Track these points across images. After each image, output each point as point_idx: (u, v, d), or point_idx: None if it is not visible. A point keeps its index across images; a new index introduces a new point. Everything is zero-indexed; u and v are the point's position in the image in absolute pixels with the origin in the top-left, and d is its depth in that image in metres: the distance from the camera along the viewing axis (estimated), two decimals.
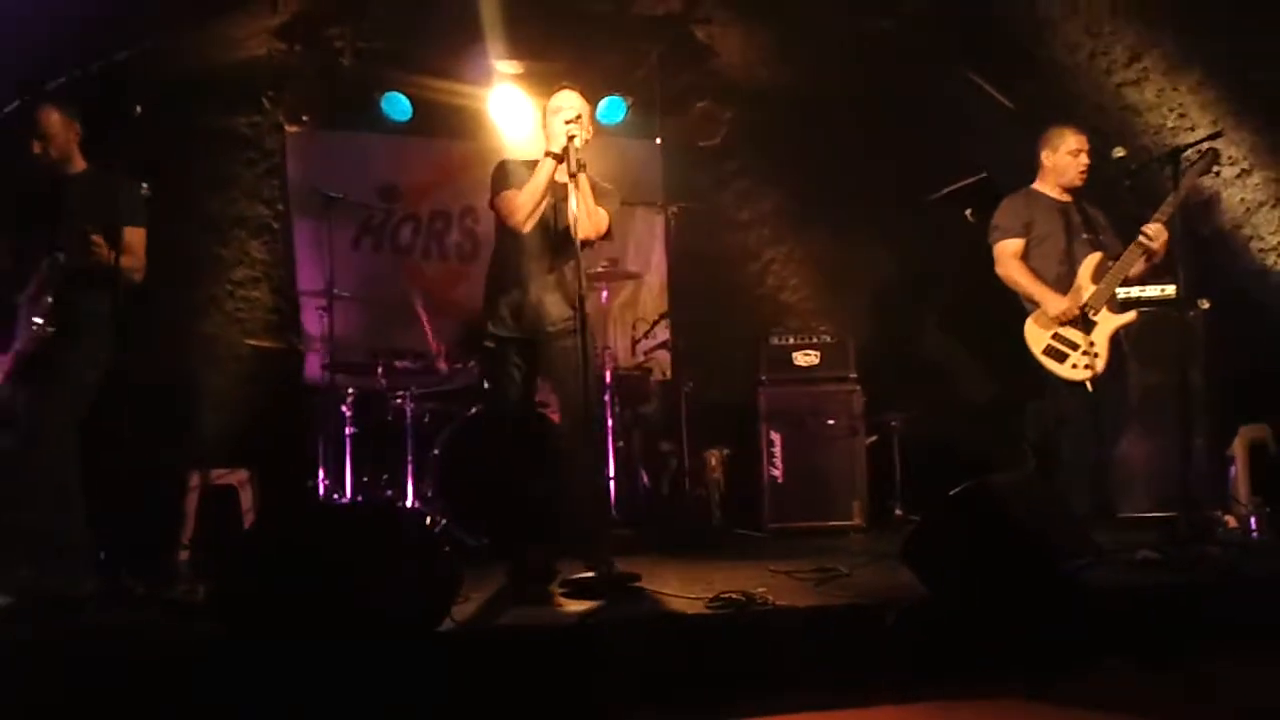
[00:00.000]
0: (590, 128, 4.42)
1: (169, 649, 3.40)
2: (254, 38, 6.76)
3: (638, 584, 4.11)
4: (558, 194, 4.34)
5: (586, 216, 4.25)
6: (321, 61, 6.90)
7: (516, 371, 4.42)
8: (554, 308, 4.39)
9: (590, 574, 4.07)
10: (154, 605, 4.06)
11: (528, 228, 4.35)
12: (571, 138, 4.17)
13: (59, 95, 4.49)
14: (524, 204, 4.30)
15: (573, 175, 4.17)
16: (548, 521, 4.47)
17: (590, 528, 4.37)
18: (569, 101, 4.40)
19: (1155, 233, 4.65)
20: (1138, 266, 4.75)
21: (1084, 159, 4.91)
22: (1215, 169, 5.27)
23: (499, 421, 4.53)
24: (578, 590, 3.98)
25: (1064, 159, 4.92)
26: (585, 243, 4.27)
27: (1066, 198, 4.96)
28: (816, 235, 7.79)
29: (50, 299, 4.16)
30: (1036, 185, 5.03)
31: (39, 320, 4.14)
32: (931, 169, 7.05)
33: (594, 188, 4.37)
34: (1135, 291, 5.60)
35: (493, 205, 4.47)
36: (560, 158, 4.23)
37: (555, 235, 4.38)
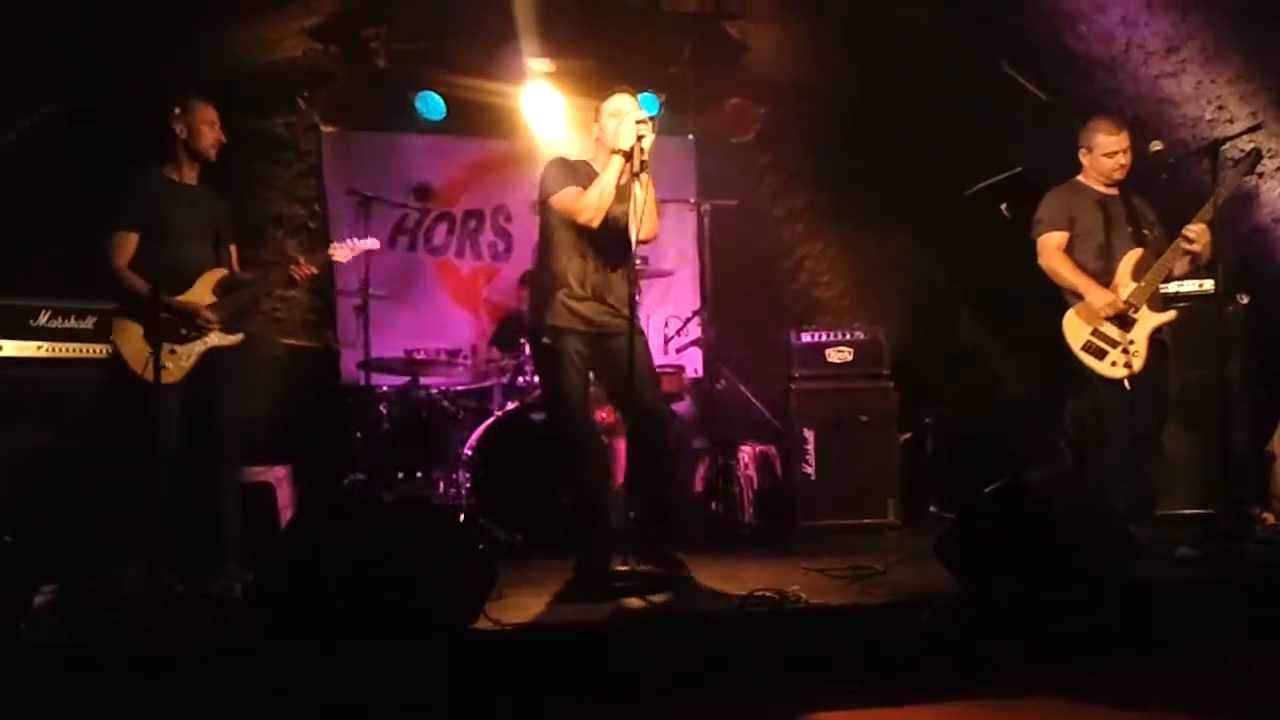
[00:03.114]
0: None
1: (207, 645, 3.45)
2: (289, 38, 6.82)
3: (686, 575, 4.21)
4: (617, 196, 4.33)
5: (647, 216, 4.26)
6: (356, 62, 6.96)
7: (574, 367, 4.37)
8: (616, 303, 4.42)
9: (650, 567, 4.13)
10: (192, 602, 4.12)
11: (597, 224, 4.33)
12: (641, 137, 4.18)
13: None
14: (593, 202, 4.28)
15: (637, 175, 4.18)
16: (604, 519, 4.48)
17: (657, 523, 4.41)
18: (631, 105, 4.42)
19: (1197, 234, 4.60)
20: (1180, 265, 4.73)
21: (1120, 159, 4.87)
22: (1258, 169, 5.21)
23: (569, 417, 4.44)
24: (638, 585, 4.00)
25: (1100, 161, 4.89)
26: (641, 241, 4.30)
27: (1111, 191, 4.93)
28: (850, 231, 7.76)
29: (233, 308, 4.56)
30: (1081, 178, 5.01)
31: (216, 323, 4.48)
32: (966, 163, 6.99)
33: None
34: (1174, 286, 5.54)
35: (546, 202, 4.43)
36: (628, 156, 4.22)
37: (612, 231, 4.37)
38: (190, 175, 4.58)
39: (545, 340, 4.39)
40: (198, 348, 4.42)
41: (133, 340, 4.36)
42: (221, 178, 4.77)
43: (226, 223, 4.72)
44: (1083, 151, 4.96)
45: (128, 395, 4.35)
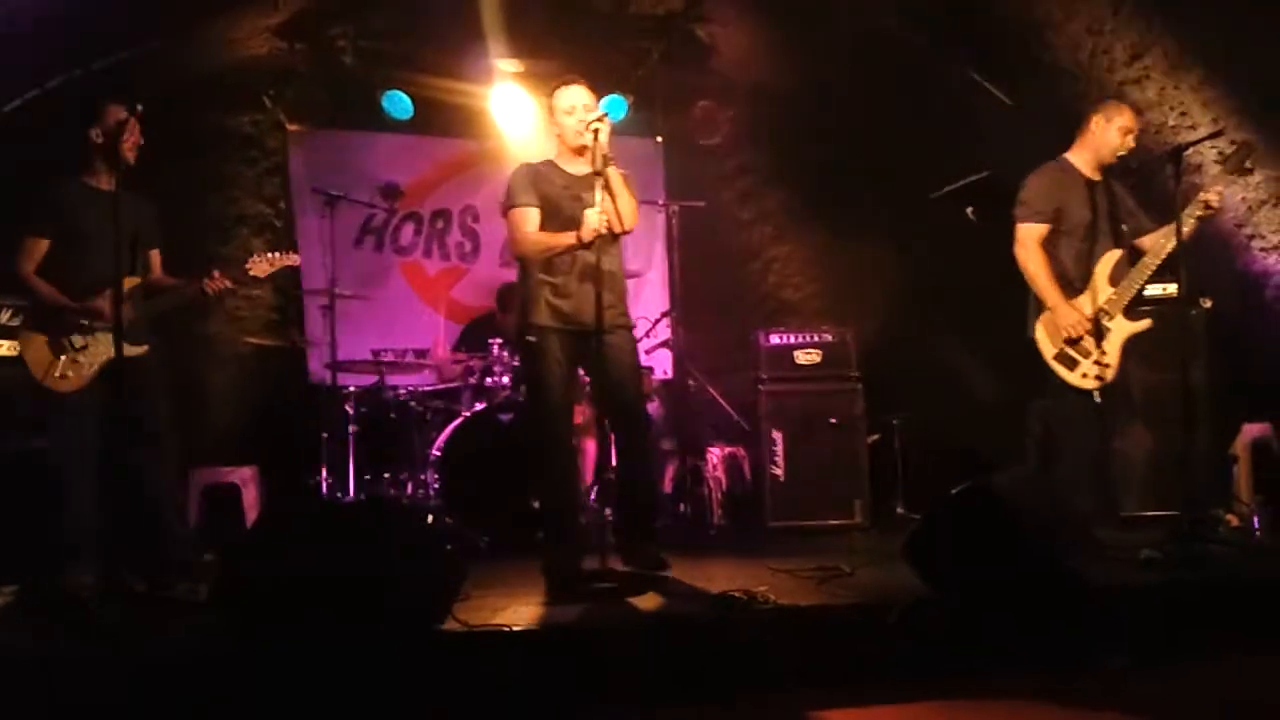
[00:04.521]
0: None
1: (170, 647, 3.41)
2: (255, 37, 6.77)
3: (666, 574, 4.23)
4: (583, 189, 4.28)
5: (622, 208, 4.24)
6: (323, 60, 6.92)
7: (558, 365, 4.34)
8: (599, 301, 4.25)
9: (631, 568, 4.16)
10: (155, 603, 4.07)
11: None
12: (596, 132, 4.11)
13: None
14: (532, 251, 4.33)
15: (600, 172, 4.11)
16: (572, 519, 4.47)
17: (639, 521, 4.42)
18: (583, 97, 4.36)
19: (1218, 195, 4.51)
20: (1173, 245, 4.55)
21: (1130, 142, 4.74)
22: (1248, 164, 5.12)
23: (545, 416, 4.41)
24: (607, 585, 4.00)
25: (1113, 134, 4.72)
26: (624, 232, 4.30)
27: (1097, 175, 4.79)
28: (818, 233, 7.79)
29: (142, 315, 4.45)
30: (1070, 156, 4.83)
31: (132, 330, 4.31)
32: (934, 167, 7.04)
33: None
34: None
35: (505, 214, 4.42)
36: (598, 172, 4.13)
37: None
38: (107, 182, 4.41)
39: (529, 338, 4.37)
40: (100, 357, 4.33)
41: (35, 347, 4.32)
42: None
43: (149, 228, 4.61)
44: (1097, 119, 4.76)
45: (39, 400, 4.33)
